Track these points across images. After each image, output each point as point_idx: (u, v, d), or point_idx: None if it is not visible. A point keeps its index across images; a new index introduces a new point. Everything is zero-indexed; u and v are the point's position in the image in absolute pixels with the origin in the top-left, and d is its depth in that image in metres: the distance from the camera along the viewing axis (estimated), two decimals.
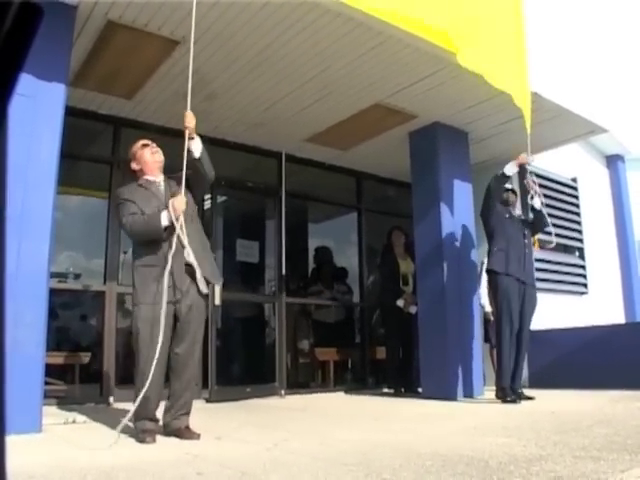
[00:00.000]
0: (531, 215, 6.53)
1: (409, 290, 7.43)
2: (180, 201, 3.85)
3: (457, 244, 6.91)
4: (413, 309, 7.28)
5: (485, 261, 7.48)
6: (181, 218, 3.85)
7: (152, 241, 3.90)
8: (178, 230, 3.81)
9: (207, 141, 6.51)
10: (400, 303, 7.31)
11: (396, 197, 8.90)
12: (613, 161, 11.36)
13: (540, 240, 7.72)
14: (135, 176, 4.16)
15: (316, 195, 8.62)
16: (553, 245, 6.95)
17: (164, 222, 3.83)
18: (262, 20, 4.85)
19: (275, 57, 5.43)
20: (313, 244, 9.50)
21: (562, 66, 6.83)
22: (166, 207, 3.88)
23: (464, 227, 6.97)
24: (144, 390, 3.61)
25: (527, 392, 6.06)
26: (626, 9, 9.38)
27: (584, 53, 7.44)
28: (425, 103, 6.48)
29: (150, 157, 4.14)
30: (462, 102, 6.39)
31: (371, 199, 8.87)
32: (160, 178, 4.14)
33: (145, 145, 4.17)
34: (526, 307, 6.05)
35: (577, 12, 7.39)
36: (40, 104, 4.26)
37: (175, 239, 3.79)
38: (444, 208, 6.90)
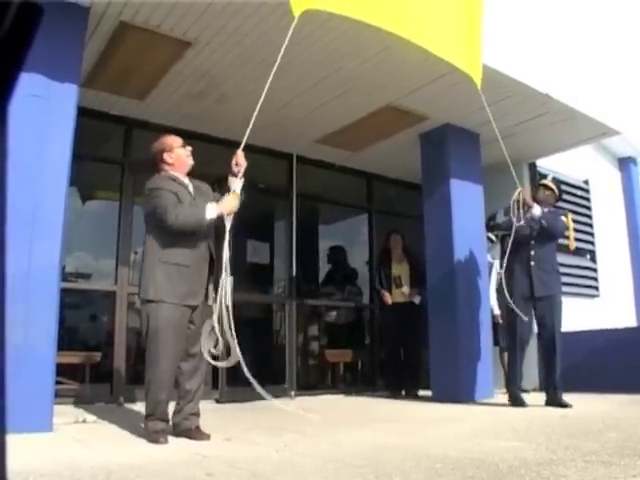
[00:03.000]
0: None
1: (403, 291, 7.45)
2: (233, 200, 3.81)
3: (467, 246, 6.88)
4: (417, 299, 7.39)
5: (495, 264, 7.47)
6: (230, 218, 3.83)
7: (188, 239, 3.86)
8: (228, 228, 3.76)
9: (219, 142, 6.61)
10: (405, 290, 7.40)
11: (407, 199, 8.89)
12: (625, 163, 11.29)
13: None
14: (159, 168, 4.09)
15: (327, 196, 8.64)
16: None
17: (209, 215, 3.77)
18: (273, 22, 4.85)
19: (286, 59, 5.43)
20: (324, 245, 9.50)
21: (573, 67, 6.80)
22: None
23: (474, 229, 6.94)
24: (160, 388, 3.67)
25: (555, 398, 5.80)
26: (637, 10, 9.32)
27: (596, 54, 7.42)
28: (436, 105, 6.48)
29: (185, 157, 4.12)
30: (473, 104, 6.35)
31: (382, 201, 8.88)
32: (187, 180, 4.13)
33: (184, 145, 4.16)
34: (545, 317, 5.81)
35: (588, 14, 7.36)
36: (52, 105, 4.28)
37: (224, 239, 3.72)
38: (454, 210, 6.88)
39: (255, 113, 3.40)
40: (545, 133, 7.24)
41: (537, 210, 5.77)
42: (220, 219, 3.81)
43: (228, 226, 3.79)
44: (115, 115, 6.51)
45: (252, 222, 8.09)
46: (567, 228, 6.19)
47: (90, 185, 7.49)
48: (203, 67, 5.59)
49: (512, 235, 5.84)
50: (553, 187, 6.09)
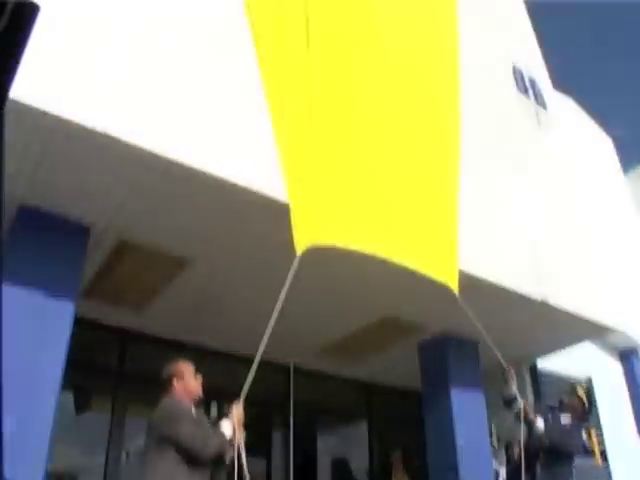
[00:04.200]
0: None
1: None
2: (238, 410, 3.60)
3: (471, 455, 6.61)
4: None
5: (501, 472, 7.14)
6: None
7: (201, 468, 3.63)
8: (239, 442, 3.52)
9: (215, 355, 6.56)
10: None
11: (407, 406, 8.68)
12: (627, 356, 11.20)
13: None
14: (168, 392, 3.93)
15: (325, 406, 8.50)
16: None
17: (228, 434, 3.56)
18: (272, 245, 4.92)
19: (281, 279, 5.48)
20: (323, 453, 9.14)
21: (569, 271, 6.88)
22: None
23: (478, 437, 6.73)
24: None
25: None
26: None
27: (589, 256, 7.53)
28: (432, 315, 6.53)
29: (196, 387, 3.99)
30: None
31: (381, 409, 8.73)
32: (192, 406, 3.97)
33: (197, 373, 4.04)
34: None
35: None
36: (49, 316, 4.34)
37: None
38: (456, 418, 6.71)
39: (262, 346, 3.34)
40: (543, 334, 7.22)
41: (540, 424, 5.35)
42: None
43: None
44: (111, 325, 6.49)
45: (246, 436, 7.83)
46: (591, 443, 5.85)
47: (84, 392, 7.34)
48: (201, 283, 5.68)
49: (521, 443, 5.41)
50: (583, 398, 5.61)
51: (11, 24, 0.60)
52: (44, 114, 3.73)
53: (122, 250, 5.17)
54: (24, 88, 3.41)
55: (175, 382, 3.95)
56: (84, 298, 5.67)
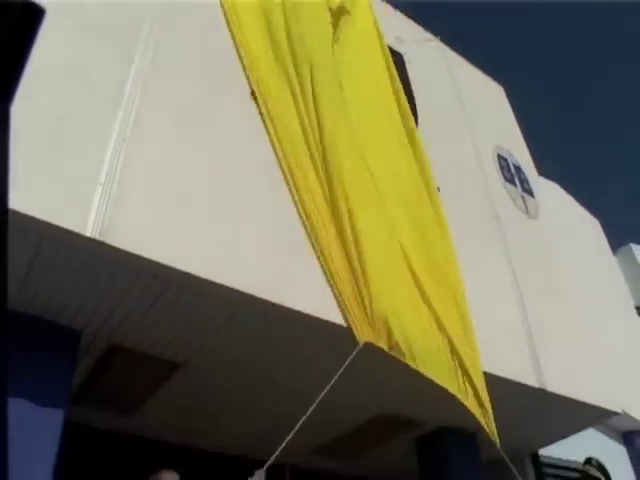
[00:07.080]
0: None
1: None
2: None
3: None
4: None
5: None
6: None
7: None
8: None
9: (212, 457, 6.37)
10: None
11: None
12: (630, 437, 10.94)
13: None
14: None
15: None
16: None
17: None
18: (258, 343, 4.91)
19: (275, 380, 5.47)
20: None
21: (565, 355, 6.77)
22: None
23: None
24: None
25: None
26: None
27: (585, 338, 7.45)
28: (430, 409, 6.37)
29: None
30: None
31: None
32: None
33: None
34: None
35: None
36: (40, 426, 4.19)
37: None
38: None
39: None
40: (543, 423, 7.03)
41: None
42: None
43: None
44: (101, 429, 6.33)
45: None
46: None
47: None
48: (193, 386, 5.57)
49: None
50: (600, 477, 5.48)
51: (16, 26, 0.62)
52: (34, 220, 3.60)
53: (112, 354, 5.08)
54: (15, 195, 3.35)
55: None
56: (73, 404, 5.55)
